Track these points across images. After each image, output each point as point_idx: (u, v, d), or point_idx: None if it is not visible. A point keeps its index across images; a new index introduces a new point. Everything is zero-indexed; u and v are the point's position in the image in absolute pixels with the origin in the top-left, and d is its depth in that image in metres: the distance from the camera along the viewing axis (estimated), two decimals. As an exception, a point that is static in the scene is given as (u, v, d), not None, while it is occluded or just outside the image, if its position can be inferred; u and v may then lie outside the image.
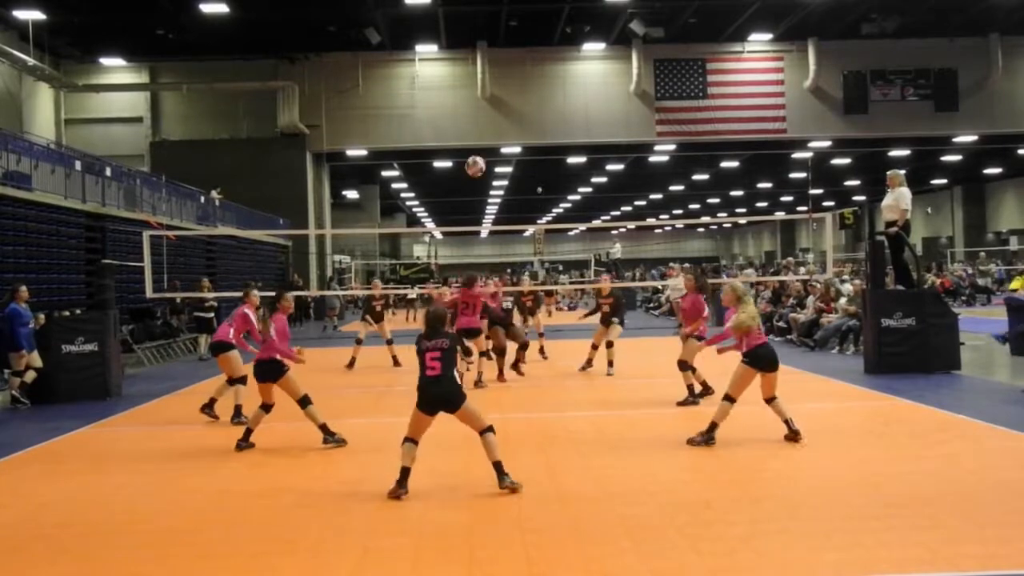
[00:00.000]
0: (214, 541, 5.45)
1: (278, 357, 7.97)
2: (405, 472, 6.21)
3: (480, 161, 12.86)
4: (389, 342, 15.27)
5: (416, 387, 6.37)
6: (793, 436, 7.69)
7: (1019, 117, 33.18)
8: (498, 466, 6.26)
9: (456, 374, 6.34)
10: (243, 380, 9.52)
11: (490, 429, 6.34)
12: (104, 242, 17.51)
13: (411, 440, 6.32)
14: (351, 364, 14.72)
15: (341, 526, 5.65)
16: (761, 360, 7.59)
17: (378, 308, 15.60)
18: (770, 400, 7.77)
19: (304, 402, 8.03)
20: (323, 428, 8.09)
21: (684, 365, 10.11)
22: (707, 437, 7.68)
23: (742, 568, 4.68)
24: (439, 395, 6.24)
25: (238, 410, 9.44)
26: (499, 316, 13.12)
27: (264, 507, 6.22)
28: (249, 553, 5.20)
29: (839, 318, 15.49)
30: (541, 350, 15.37)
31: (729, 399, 7.66)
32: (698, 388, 10.19)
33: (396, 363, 14.75)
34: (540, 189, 51.28)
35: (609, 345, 12.99)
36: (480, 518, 5.74)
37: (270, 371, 7.96)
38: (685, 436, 7.81)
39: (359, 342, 15.10)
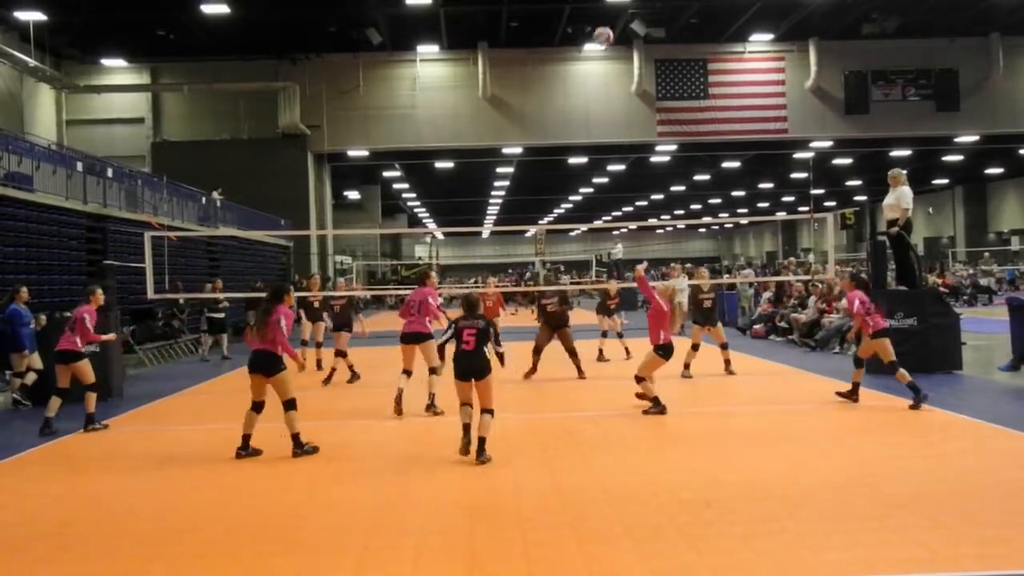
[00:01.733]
0: (214, 541, 5.45)
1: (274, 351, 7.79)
2: (465, 428, 7.31)
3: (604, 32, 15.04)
4: (319, 345, 14.78)
5: (452, 359, 7.44)
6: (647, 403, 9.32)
7: (1020, 117, 33.20)
8: (482, 441, 7.17)
9: (487, 351, 7.35)
10: (94, 387, 9.65)
11: (490, 412, 7.32)
12: (105, 243, 17.54)
13: (465, 404, 7.38)
14: (319, 366, 14.50)
15: (341, 526, 5.65)
16: (669, 352, 9.37)
17: (316, 305, 14.74)
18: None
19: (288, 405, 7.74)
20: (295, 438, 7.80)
21: (894, 366, 9.41)
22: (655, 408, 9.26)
23: (742, 567, 4.68)
24: (471, 366, 7.30)
25: (90, 418, 9.54)
26: (558, 318, 12.85)
27: (264, 507, 6.22)
28: (249, 553, 5.20)
29: (840, 318, 15.48)
30: (627, 351, 14.66)
31: (641, 379, 9.42)
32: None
33: (320, 366, 14.29)
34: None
35: (725, 347, 12.66)
36: (480, 518, 5.73)
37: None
38: (685, 437, 7.78)
39: (304, 343, 14.72)
